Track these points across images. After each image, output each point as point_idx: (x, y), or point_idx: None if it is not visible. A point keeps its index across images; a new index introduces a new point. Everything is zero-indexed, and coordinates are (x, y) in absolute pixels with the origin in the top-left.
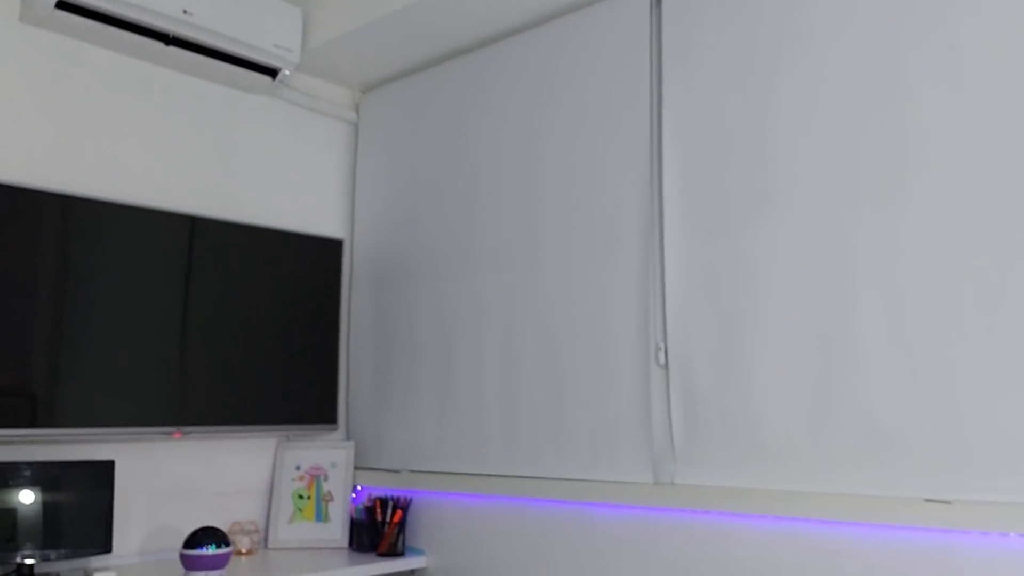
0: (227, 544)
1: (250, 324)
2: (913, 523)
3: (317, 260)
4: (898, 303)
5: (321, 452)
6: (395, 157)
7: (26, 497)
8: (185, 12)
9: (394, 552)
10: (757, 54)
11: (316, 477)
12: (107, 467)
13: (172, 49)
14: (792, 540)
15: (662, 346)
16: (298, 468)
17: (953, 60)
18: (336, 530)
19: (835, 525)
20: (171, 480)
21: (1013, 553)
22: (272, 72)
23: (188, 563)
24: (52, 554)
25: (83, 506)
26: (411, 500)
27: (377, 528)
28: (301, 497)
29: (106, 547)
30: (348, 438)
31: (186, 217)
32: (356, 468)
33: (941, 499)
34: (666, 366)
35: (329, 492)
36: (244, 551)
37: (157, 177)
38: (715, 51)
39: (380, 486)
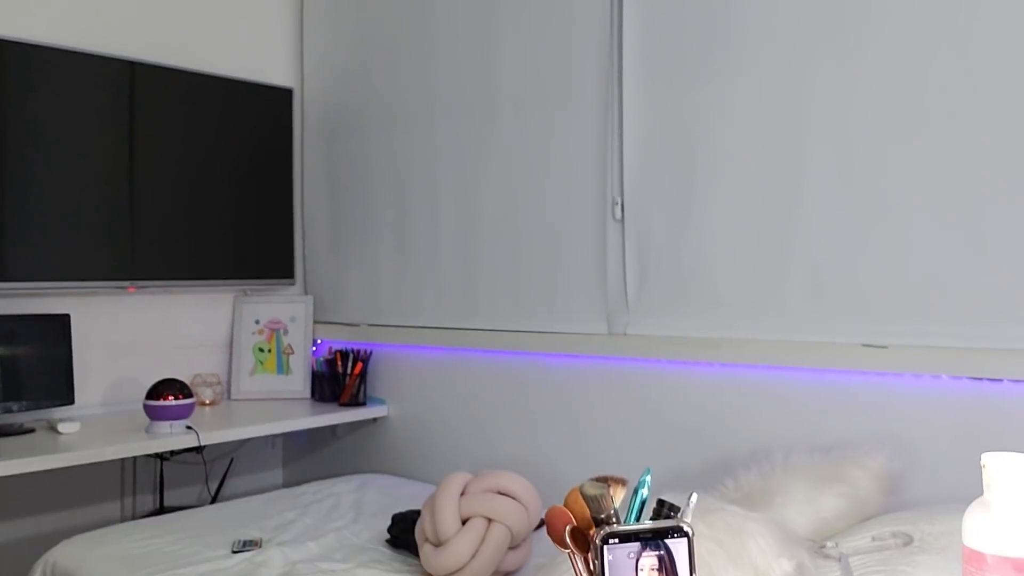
0: (190, 395)
1: (200, 177)
2: (851, 367)
3: (266, 110)
4: (848, 156)
5: (279, 306)
6: None
7: None
8: None
9: (356, 402)
10: None
11: (276, 331)
12: (63, 320)
13: None
14: (737, 385)
15: (619, 200)
16: (257, 322)
17: None
18: (298, 382)
19: (778, 370)
20: (129, 334)
21: (943, 394)
22: None
23: (152, 413)
24: (14, 406)
25: (42, 359)
26: (371, 352)
27: (338, 379)
28: (262, 350)
29: (68, 399)
30: (306, 292)
31: (125, 63)
32: (315, 322)
33: (878, 344)
34: (622, 220)
35: (289, 345)
36: (207, 402)
37: (93, 19)
38: None
39: (340, 339)
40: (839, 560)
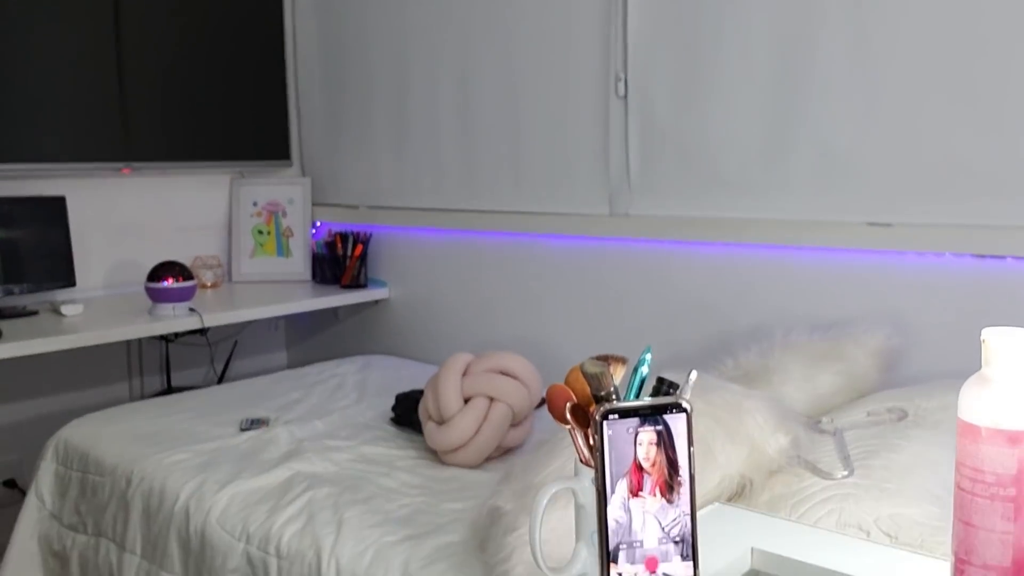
0: (190, 277)
1: (188, 53)
2: (854, 246)
3: None
4: (859, 32)
5: (277, 188)
6: None
7: None
8: None
9: (357, 284)
10: None
11: (274, 213)
12: (59, 203)
13: None
14: (739, 264)
15: (622, 77)
16: (255, 204)
17: None
18: (298, 264)
19: (781, 249)
20: (127, 217)
21: (946, 271)
22: None
23: (154, 295)
24: (15, 288)
25: (40, 242)
26: (371, 235)
27: (339, 262)
28: (261, 233)
29: (69, 281)
30: (304, 174)
31: None
32: (314, 204)
33: (882, 222)
34: (625, 97)
35: (288, 228)
36: (209, 284)
37: None
38: None
39: (339, 222)
40: (833, 435)
